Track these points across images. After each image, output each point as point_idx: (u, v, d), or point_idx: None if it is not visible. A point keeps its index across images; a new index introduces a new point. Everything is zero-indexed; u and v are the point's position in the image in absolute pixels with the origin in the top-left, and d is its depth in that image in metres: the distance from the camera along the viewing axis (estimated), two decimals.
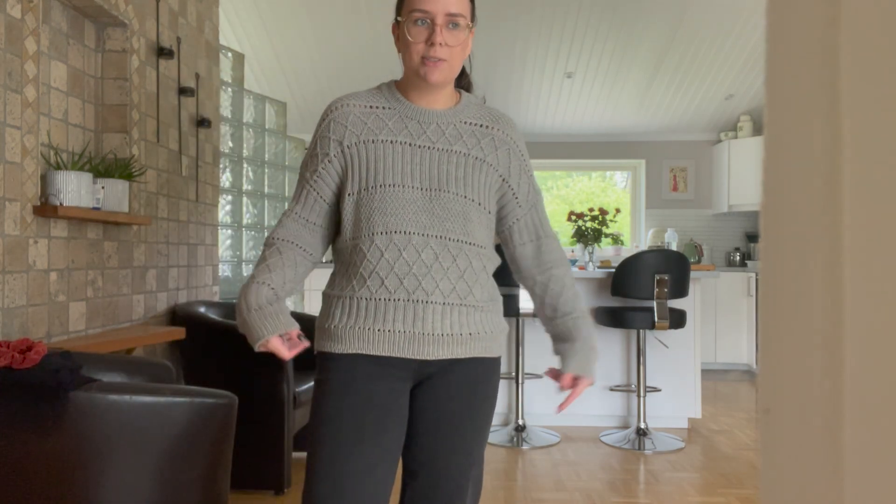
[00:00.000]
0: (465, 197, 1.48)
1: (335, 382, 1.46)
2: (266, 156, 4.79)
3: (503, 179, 1.55)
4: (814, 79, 0.37)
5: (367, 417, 1.44)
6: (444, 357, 1.47)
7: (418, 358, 1.46)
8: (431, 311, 1.44)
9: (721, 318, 6.52)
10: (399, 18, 1.48)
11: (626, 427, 4.36)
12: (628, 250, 7.24)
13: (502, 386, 4.47)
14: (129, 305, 3.14)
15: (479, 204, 1.50)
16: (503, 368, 4.47)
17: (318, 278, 5.55)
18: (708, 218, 7.41)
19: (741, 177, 6.93)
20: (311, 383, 3.23)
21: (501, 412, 4.48)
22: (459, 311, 1.47)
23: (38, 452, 1.77)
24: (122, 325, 3.08)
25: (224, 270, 4.45)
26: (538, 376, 4.41)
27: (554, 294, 1.60)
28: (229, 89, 4.39)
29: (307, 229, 1.54)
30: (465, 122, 1.53)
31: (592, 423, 4.47)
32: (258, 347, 1.48)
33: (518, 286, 3.88)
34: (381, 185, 1.45)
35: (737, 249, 7.25)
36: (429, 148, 1.48)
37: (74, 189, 2.55)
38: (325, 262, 5.46)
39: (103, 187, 2.75)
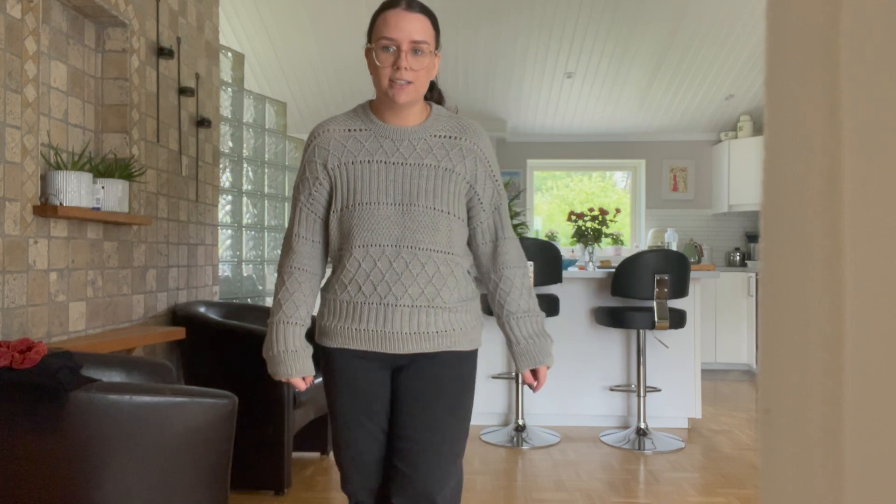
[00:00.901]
0: (434, 208, 1.65)
1: (332, 371, 1.74)
2: (266, 156, 4.79)
3: (470, 185, 1.71)
4: (814, 79, 0.37)
5: (356, 403, 1.71)
6: (411, 352, 1.67)
7: (389, 352, 1.67)
8: (399, 313, 1.64)
9: (721, 318, 6.52)
10: (369, 45, 1.64)
11: (626, 427, 4.36)
12: (628, 250, 7.24)
13: (502, 386, 4.47)
14: (129, 305, 3.14)
15: (449, 213, 1.67)
16: (503, 369, 4.47)
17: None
18: (708, 218, 7.41)
19: (741, 177, 6.93)
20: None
21: (501, 412, 4.48)
22: (427, 312, 1.65)
23: (38, 452, 1.77)
24: (122, 325, 3.08)
25: (224, 270, 4.45)
26: None
27: (503, 293, 1.76)
28: (229, 89, 4.39)
29: (313, 249, 1.75)
30: (435, 136, 1.69)
31: (592, 423, 4.47)
32: (280, 379, 1.73)
33: None
34: (359, 204, 1.64)
35: (737, 249, 7.25)
36: (402, 164, 1.65)
37: (74, 189, 2.55)
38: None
39: (103, 187, 2.75)
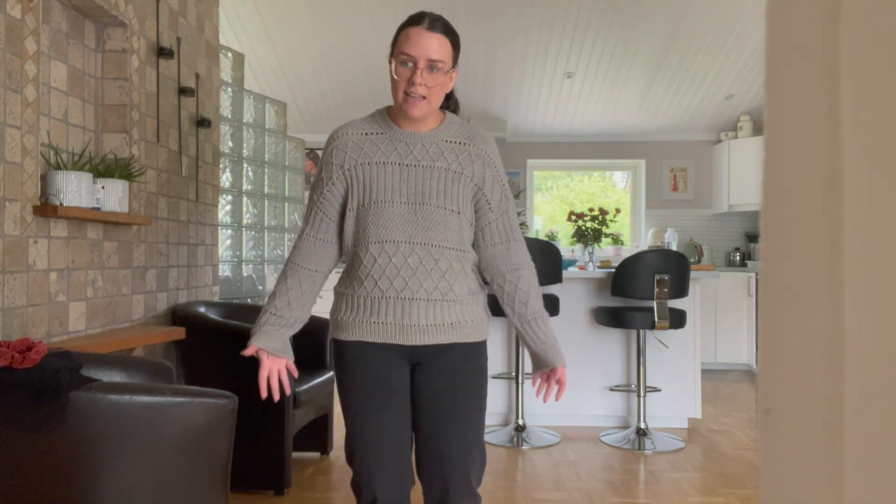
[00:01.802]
0: (445, 208, 1.74)
1: (347, 364, 1.80)
2: (266, 156, 4.79)
3: (478, 188, 1.80)
4: (814, 79, 0.37)
5: (374, 391, 1.76)
6: (429, 343, 1.75)
7: (408, 344, 1.75)
8: (416, 307, 1.73)
9: (721, 318, 6.52)
10: (391, 57, 1.74)
11: (626, 427, 4.36)
12: (628, 250, 7.24)
13: (502, 386, 4.47)
14: (129, 305, 3.14)
15: (458, 212, 1.76)
16: (503, 369, 4.47)
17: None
18: (708, 218, 7.41)
19: (741, 177, 6.93)
20: (312, 383, 3.23)
21: (501, 412, 4.48)
22: (441, 305, 1.75)
23: (38, 452, 1.77)
24: (122, 325, 3.08)
25: (224, 270, 4.45)
26: None
27: (523, 293, 1.85)
28: (229, 89, 4.39)
29: (317, 247, 1.84)
30: (447, 141, 1.79)
31: (592, 423, 4.47)
32: (247, 351, 1.81)
33: None
34: (374, 202, 1.74)
35: (737, 249, 7.25)
36: (415, 166, 1.75)
37: (74, 189, 2.55)
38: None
39: (103, 187, 2.75)
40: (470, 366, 1.81)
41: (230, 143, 4.41)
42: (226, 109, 4.34)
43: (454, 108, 1.90)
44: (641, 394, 4.14)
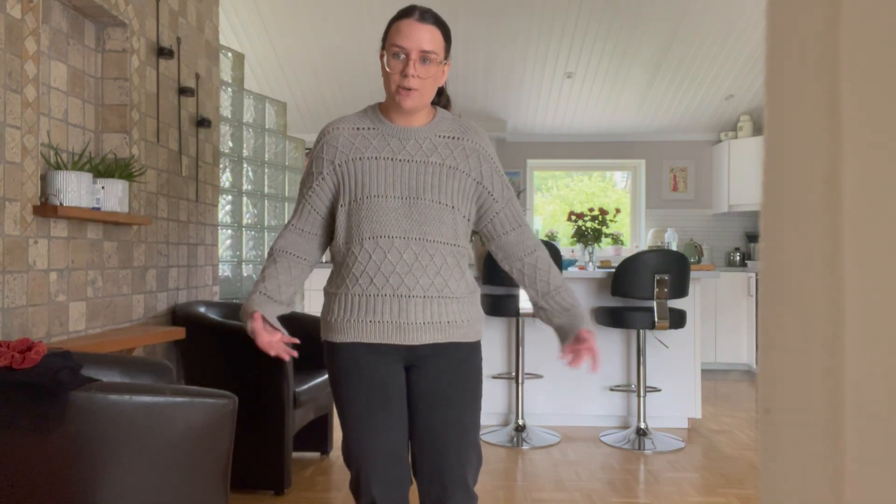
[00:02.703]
0: (439, 202, 1.72)
1: (342, 368, 1.76)
2: (266, 156, 4.79)
3: (478, 183, 1.79)
4: (814, 79, 0.37)
5: (372, 396, 1.73)
6: (427, 342, 1.72)
7: (405, 343, 1.72)
8: (414, 304, 1.70)
9: (721, 318, 6.52)
10: (383, 50, 1.74)
11: (626, 427, 4.36)
12: (628, 250, 7.24)
13: (502, 386, 4.47)
14: (129, 305, 3.14)
15: (453, 207, 1.74)
16: (503, 369, 4.47)
17: (317, 279, 5.70)
18: (708, 218, 7.41)
19: (741, 177, 6.93)
20: (312, 383, 3.23)
21: (501, 412, 4.48)
22: (438, 302, 1.72)
23: (38, 452, 1.77)
24: (122, 325, 3.08)
25: (224, 270, 4.45)
26: (538, 376, 4.41)
27: (543, 272, 1.85)
28: (229, 89, 4.39)
29: (303, 238, 1.82)
30: (440, 136, 1.77)
31: (592, 423, 4.47)
32: (245, 319, 1.77)
33: (517, 286, 3.88)
34: (367, 197, 1.71)
35: (737, 249, 7.25)
36: (408, 161, 1.73)
37: (74, 189, 2.55)
38: (324, 263, 5.49)
39: (103, 187, 2.75)
40: (466, 367, 1.80)
41: (230, 143, 4.41)
42: (226, 109, 4.34)
43: (446, 104, 1.88)
44: (641, 394, 4.14)
